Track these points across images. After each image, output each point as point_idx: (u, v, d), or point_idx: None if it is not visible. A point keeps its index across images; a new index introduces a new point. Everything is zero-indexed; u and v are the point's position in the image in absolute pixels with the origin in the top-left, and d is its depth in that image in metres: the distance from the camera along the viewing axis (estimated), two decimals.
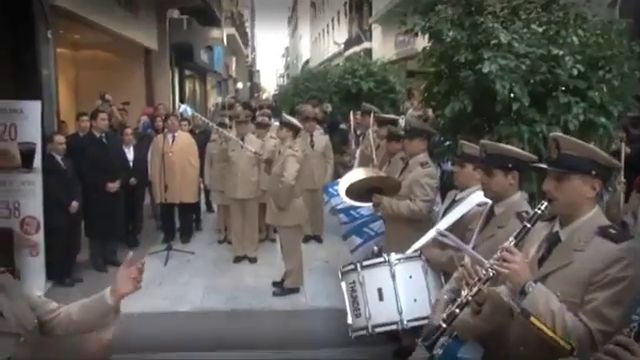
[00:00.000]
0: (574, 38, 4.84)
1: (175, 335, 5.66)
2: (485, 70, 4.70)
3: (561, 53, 4.78)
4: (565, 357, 1.92)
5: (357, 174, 5.48)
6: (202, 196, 10.00)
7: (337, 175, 9.10)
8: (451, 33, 5.08)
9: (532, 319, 2.09)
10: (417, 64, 6.21)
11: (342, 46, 32.22)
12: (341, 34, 34.30)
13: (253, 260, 8.05)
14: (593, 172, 2.36)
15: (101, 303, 2.40)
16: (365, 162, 7.12)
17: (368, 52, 25.25)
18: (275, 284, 6.95)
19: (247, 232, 8.10)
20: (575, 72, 4.75)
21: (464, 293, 2.57)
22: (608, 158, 2.44)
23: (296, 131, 6.75)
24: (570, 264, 2.34)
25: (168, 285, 7.10)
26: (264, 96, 51.72)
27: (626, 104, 5.02)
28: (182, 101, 16.71)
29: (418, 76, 8.93)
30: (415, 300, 3.98)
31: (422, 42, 5.68)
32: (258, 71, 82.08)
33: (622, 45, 4.98)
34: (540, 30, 5.10)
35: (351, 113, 9.20)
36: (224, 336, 5.68)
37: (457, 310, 2.57)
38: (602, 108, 4.86)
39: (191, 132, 9.37)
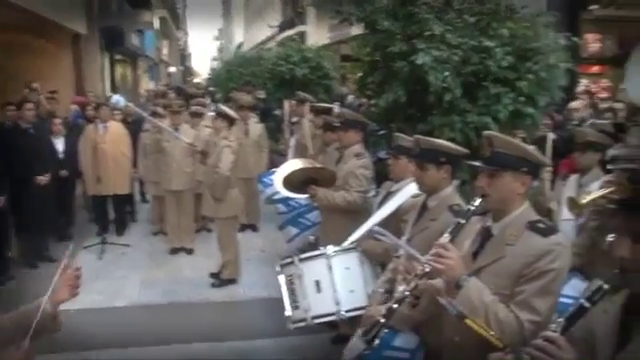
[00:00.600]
0: (504, 30, 4.95)
1: (113, 331, 5.55)
2: (419, 62, 4.74)
3: (492, 45, 4.87)
4: (498, 351, 1.98)
5: (292, 165, 5.46)
6: (136, 187, 9.77)
7: (272, 163, 9.07)
8: (386, 23, 5.11)
9: (467, 321, 2.14)
10: (351, 49, 6.23)
11: (276, 29, 31.97)
12: (275, 17, 34.03)
13: (190, 252, 7.96)
14: (524, 169, 2.44)
15: (38, 311, 2.29)
16: (300, 151, 7.10)
17: (302, 35, 25.16)
18: (212, 275, 6.89)
19: (183, 223, 7.98)
20: (505, 63, 4.85)
21: (401, 288, 2.62)
22: (538, 155, 2.53)
23: (231, 121, 6.67)
24: (502, 258, 2.42)
25: (104, 279, 6.92)
26: (197, 80, 50.78)
27: (552, 95, 5.18)
28: (113, 88, 16.19)
29: (353, 62, 8.97)
30: (352, 291, 4.02)
31: (357, 26, 5.67)
32: (190, 54, 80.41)
33: (549, 37, 5.12)
34: (472, 21, 5.19)
35: (286, 101, 9.15)
36: (162, 330, 5.59)
37: (396, 305, 2.61)
38: (530, 98, 5.00)
39: (123, 121, 9.08)
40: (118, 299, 6.41)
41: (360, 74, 5.96)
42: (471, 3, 5.35)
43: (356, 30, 6.06)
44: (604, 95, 10.52)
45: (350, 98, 10.26)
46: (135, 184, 9.48)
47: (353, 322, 4.02)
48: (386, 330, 2.79)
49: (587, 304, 1.72)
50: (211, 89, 22.63)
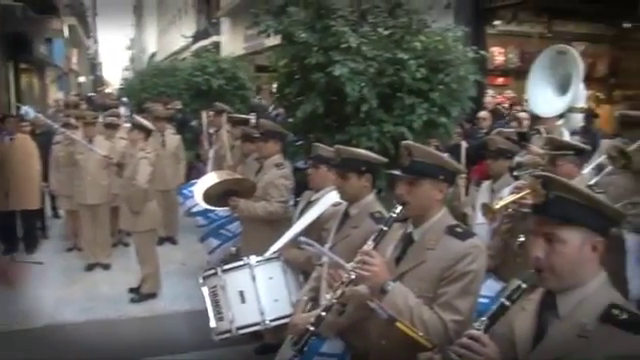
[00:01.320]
0: (417, 43, 5.15)
1: (28, 353, 5.29)
2: (336, 73, 4.86)
3: (406, 57, 5.07)
4: (426, 352, 2.08)
5: (212, 178, 5.45)
6: (47, 202, 9.36)
7: (190, 175, 8.95)
8: (303, 35, 5.19)
9: (398, 324, 2.21)
10: (267, 60, 6.29)
11: (190, 39, 31.56)
12: (189, 27, 33.59)
13: (106, 267, 7.70)
14: (441, 177, 2.56)
15: None
16: (219, 162, 7.07)
17: (217, 46, 24.98)
18: (132, 290, 6.70)
19: (99, 238, 7.73)
20: (418, 75, 5.06)
21: (328, 296, 2.67)
22: (454, 164, 2.66)
23: (148, 133, 6.54)
24: (423, 262, 2.52)
25: (16, 300, 6.57)
26: (108, 90, 49.22)
27: (463, 105, 5.44)
28: (19, 99, 15.43)
29: (269, 73, 9.01)
30: (276, 300, 4.05)
31: (271, 37, 5.71)
32: (101, 64, 77.80)
33: (458, 50, 5.38)
34: (386, 34, 5.37)
35: (203, 112, 9.06)
36: (81, 350, 5.37)
37: (324, 313, 2.67)
38: (442, 109, 5.23)
39: (32, 133, 8.66)
40: (33, 320, 6.09)
41: (277, 85, 6.02)
42: (385, 17, 5.54)
43: (271, 41, 6.11)
44: (509, 105, 11.06)
45: (268, 109, 10.29)
46: (46, 199, 9.06)
47: (278, 331, 4.06)
48: (313, 337, 2.85)
49: (507, 303, 1.83)
50: (124, 99, 22.00)
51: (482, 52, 5.79)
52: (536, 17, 12.71)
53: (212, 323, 4.09)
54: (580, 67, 6.19)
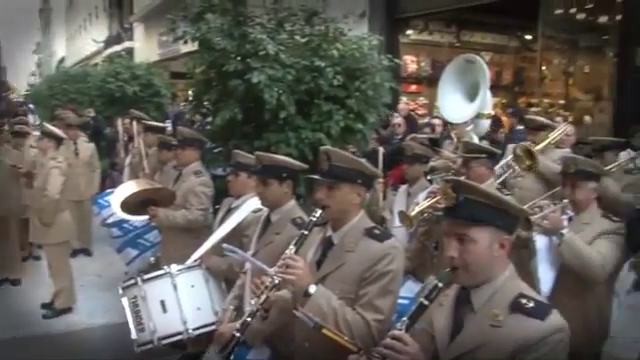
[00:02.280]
0: (334, 51, 5.26)
1: None
2: (254, 80, 4.88)
3: (323, 64, 5.16)
4: (352, 354, 2.13)
5: (130, 187, 5.33)
6: None
7: (105, 184, 8.69)
8: (221, 42, 5.18)
9: (324, 331, 2.26)
10: (183, 66, 6.23)
11: (102, 44, 30.62)
12: (100, 31, 32.56)
13: (16, 282, 7.32)
14: (359, 181, 2.64)
15: None
16: (135, 171, 6.91)
17: (130, 51, 24.37)
18: (45, 306, 6.41)
19: (7, 252, 7.34)
20: (335, 82, 5.16)
21: (253, 302, 2.68)
22: (371, 168, 2.75)
23: (59, 141, 6.31)
24: (344, 264, 2.58)
25: None
26: (12, 96, 46.88)
27: (379, 112, 5.59)
28: None
29: (186, 80, 8.91)
30: (199, 309, 4.02)
31: (188, 43, 5.66)
32: (5, 68, 73.93)
33: (374, 58, 5.52)
34: (303, 42, 5.45)
35: (118, 120, 8.83)
36: None
37: (249, 319, 2.67)
38: (359, 115, 5.36)
39: None
40: None
41: (194, 92, 5.97)
42: (302, 25, 5.62)
43: (188, 47, 6.05)
44: (422, 112, 11.48)
45: (184, 116, 10.16)
46: None
47: (201, 340, 4.02)
48: (239, 344, 2.85)
49: (426, 302, 1.94)
50: (30, 106, 21.07)
51: (396, 60, 5.97)
52: (446, 28, 13.27)
53: (133, 335, 4.00)
54: (487, 75, 6.49)
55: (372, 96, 5.37)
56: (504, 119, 10.44)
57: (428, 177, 5.12)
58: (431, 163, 5.70)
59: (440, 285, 1.94)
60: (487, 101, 6.54)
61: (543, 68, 12.39)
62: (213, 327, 3.72)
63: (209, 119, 5.99)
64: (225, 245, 3.15)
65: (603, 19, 10.96)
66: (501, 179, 4.99)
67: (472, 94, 6.83)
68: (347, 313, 2.46)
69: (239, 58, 5.23)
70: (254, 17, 5.51)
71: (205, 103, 5.91)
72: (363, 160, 2.76)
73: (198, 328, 3.95)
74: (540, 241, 3.46)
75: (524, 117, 6.68)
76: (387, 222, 4.72)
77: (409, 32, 12.99)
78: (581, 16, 11.37)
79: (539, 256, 3.45)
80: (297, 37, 5.50)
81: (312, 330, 2.25)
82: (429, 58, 13.38)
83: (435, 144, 6.64)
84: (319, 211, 2.63)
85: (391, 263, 2.52)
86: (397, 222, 4.49)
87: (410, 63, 13.11)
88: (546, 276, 3.43)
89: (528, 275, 3.45)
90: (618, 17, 9.65)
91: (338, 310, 2.45)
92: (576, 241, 3.33)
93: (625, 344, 3.65)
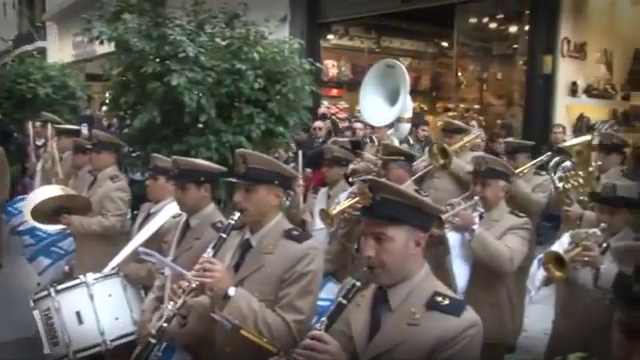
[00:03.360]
0: (255, 54, 5.25)
1: None
2: (174, 82, 4.80)
3: (244, 67, 5.14)
4: (272, 356, 2.12)
5: (42, 194, 5.09)
6: None
7: (15, 191, 8.28)
8: (139, 43, 5.07)
9: (242, 332, 2.24)
10: (100, 68, 6.04)
11: (10, 43, 29.18)
12: (9, 29, 31.01)
13: None
14: (276, 182, 2.64)
15: None
16: (48, 176, 6.61)
17: (42, 51, 23.37)
18: None
19: None
20: (256, 85, 5.16)
21: (169, 307, 2.62)
22: (289, 169, 2.77)
23: None
24: (262, 266, 2.57)
25: None
26: None
27: (300, 115, 5.62)
28: None
29: (103, 82, 8.65)
30: (117, 318, 3.88)
31: (102, 44, 5.51)
32: None
33: (295, 62, 5.55)
34: (224, 44, 5.40)
35: (29, 123, 8.44)
36: None
37: (165, 324, 2.61)
38: (280, 118, 5.37)
39: None
40: None
41: (111, 94, 5.81)
42: (222, 28, 5.58)
43: (104, 49, 5.87)
44: (342, 115, 11.61)
45: (101, 119, 9.87)
46: None
47: (120, 352, 3.88)
48: (162, 348, 2.79)
49: (344, 301, 1.96)
50: None
51: (317, 64, 6.02)
52: (366, 33, 13.53)
53: (46, 349, 3.81)
54: (407, 80, 6.66)
55: (293, 99, 5.41)
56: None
57: (349, 180, 5.18)
58: (352, 166, 5.78)
59: (358, 284, 1.96)
60: (407, 105, 6.72)
61: (459, 74, 12.86)
62: (132, 337, 3.62)
63: (127, 122, 5.83)
64: (141, 249, 3.07)
65: (513, 29, 11.51)
66: (415, 176, 5.10)
67: (393, 98, 6.99)
68: (267, 315, 2.46)
69: (158, 60, 5.14)
70: (173, 18, 5.43)
71: (123, 106, 5.75)
72: (280, 162, 2.76)
73: (117, 339, 3.81)
74: (453, 238, 3.58)
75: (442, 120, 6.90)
76: (308, 225, 4.74)
77: (330, 37, 13.18)
78: (493, 25, 11.90)
79: (453, 253, 3.57)
80: (218, 40, 5.46)
81: (231, 333, 2.23)
82: (349, 63, 13.61)
83: (356, 147, 6.75)
84: (237, 214, 2.61)
85: (310, 264, 2.54)
86: (318, 224, 4.52)
87: (331, 67, 13.29)
88: (461, 271, 3.56)
89: (445, 272, 3.59)
90: (526, 27, 10.16)
91: (258, 312, 2.44)
92: (486, 236, 3.47)
93: (536, 337, 3.83)
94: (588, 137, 4.98)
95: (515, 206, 4.23)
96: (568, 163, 4.92)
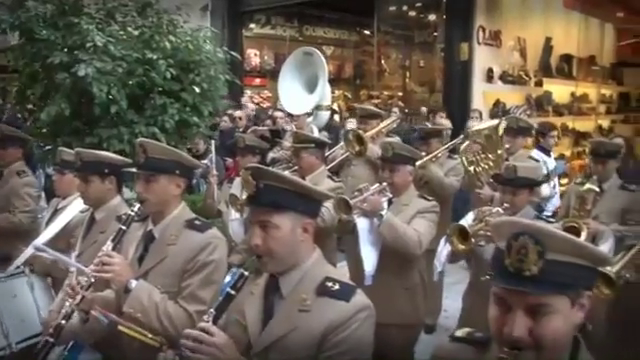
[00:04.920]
0: (167, 43, 5.14)
1: None
2: (81, 73, 4.64)
3: (155, 57, 5.01)
4: (157, 352, 2.08)
5: None
6: None
7: None
8: (44, 32, 4.88)
9: (120, 327, 2.21)
10: (5, 59, 5.80)
11: None
12: None
13: None
14: (177, 172, 2.61)
15: None
16: None
17: None
18: None
19: None
20: (169, 75, 5.04)
21: (68, 303, 2.56)
22: (190, 159, 2.74)
23: None
24: (165, 258, 2.55)
25: None
26: None
27: (215, 105, 5.56)
28: None
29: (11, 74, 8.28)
30: (23, 320, 3.72)
31: (5, 33, 5.28)
32: None
33: (209, 51, 5.47)
34: (136, 34, 5.27)
35: None
36: None
37: (63, 322, 2.54)
38: (195, 108, 5.29)
39: None
40: None
41: (18, 86, 5.58)
42: (134, 16, 5.43)
43: (16, 39, 5.62)
44: (266, 104, 11.60)
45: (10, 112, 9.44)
46: None
47: (28, 354, 3.75)
48: (69, 348, 2.72)
49: (232, 292, 1.93)
50: None
51: (233, 53, 5.96)
52: (288, 22, 13.51)
53: None
54: (325, 68, 6.72)
55: (207, 89, 5.33)
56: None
57: (270, 168, 5.17)
58: (271, 154, 5.78)
59: (246, 274, 1.94)
60: (326, 93, 6.79)
61: (382, 62, 13.04)
62: (39, 338, 3.50)
63: (36, 115, 5.61)
64: (34, 242, 2.98)
65: (432, 17, 11.77)
66: (331, 165, 5.16)
67: (311, 86, 7.04)
68: (169, 306, 2.44)
69: (65, 50, 4.95)
70: (81, 7, 5.23)
71: (31, 98, 5.54)
72: (181, 151, 2.73)
73: (22, 341, 3.66)
74: (362, 223, 3.64)
75: (355, 107, 6.99)
76: (223, 215, 4.71)
77: (252, 26, 13.07)
78: (412, 13, 12.12)
79: (361, 238, 3.62)
80: (129, 29, 5.31)
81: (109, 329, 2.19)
82: (272, 52, 13.54)
83: (276, 136, 6.75)
84: (137, 205, 2.57)
85: (213, 253, 2.53)
86: (233, 215, 4.49)
87: (253, 57, 13.19)
88: (369, 256, 3.61)
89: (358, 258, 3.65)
90: (444, 16, 10.41)
91: (159, 304, 2.42)
92: (394, 220, 3.53)
93: (456, 317, 3.94)
94: (496, 121, 5.15)
95: (430, 190, 4.34)
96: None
